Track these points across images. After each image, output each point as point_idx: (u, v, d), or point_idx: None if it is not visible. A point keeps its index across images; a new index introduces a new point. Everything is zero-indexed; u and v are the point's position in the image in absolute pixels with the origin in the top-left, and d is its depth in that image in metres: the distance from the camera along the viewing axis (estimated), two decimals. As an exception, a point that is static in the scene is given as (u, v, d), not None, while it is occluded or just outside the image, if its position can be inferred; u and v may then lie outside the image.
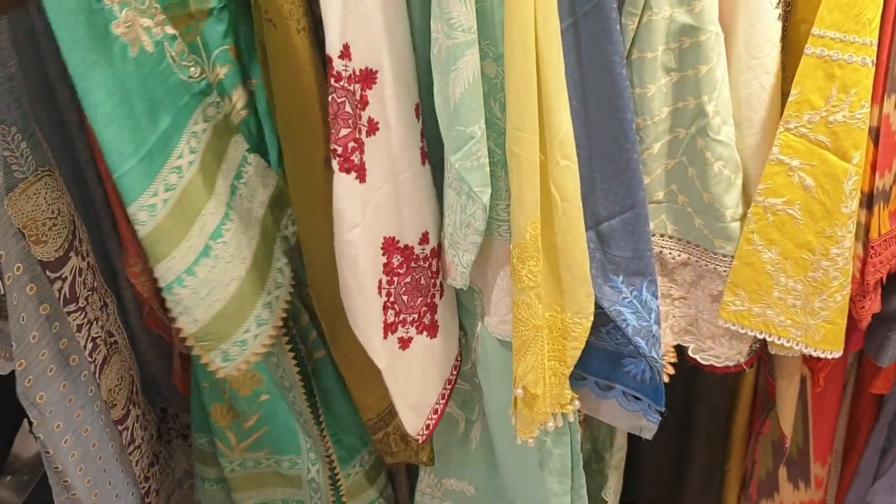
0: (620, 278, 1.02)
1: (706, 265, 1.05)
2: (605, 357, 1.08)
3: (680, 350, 1.13)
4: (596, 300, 1.01)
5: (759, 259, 1.01)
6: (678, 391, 1.21)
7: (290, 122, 0.93)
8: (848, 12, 0.89)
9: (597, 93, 0.94)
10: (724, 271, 1.03)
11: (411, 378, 1.05)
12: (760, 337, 1.05)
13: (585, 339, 1.01)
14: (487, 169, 0.93)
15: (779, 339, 1.04)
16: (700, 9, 0.91)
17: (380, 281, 0.96)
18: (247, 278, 0.96)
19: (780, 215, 0.99)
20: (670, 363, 1.11)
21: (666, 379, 1.08)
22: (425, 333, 1.05)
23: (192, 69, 0.87)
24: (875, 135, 0.96)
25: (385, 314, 0.98)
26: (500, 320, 1.07)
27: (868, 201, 0.99)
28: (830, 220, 0.97)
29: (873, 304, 1.05)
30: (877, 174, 0.97)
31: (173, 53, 0.85)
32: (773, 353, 1.09)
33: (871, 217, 1.00)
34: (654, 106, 0.97)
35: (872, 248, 1.01)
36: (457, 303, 1.15)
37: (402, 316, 1.01)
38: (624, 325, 1.02)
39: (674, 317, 1.11)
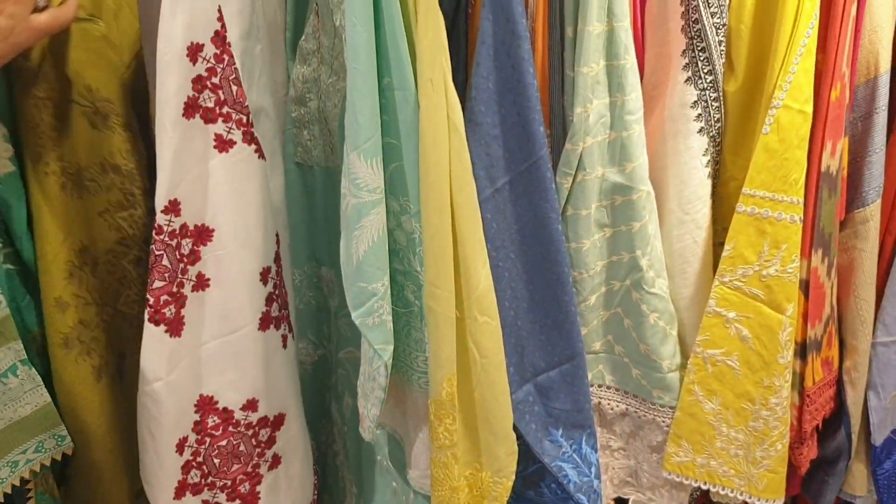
0: (560, 432, 0.99)
1: (645, 415, 1.03)
2: (545, 513, 1.04)
3: (619, 502, 1.09)
4: (535, 455, 0.97)
5: (702, 409, 0.99)
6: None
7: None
8: (776, 173, 0.91)
9: (534, 247, 0.93)
10: (663, 421, 1.02)
11: None
12: (704, 487, 1.03)
13: (507, 499, 0.97)
14: (391, 326, 0.90)
15: (723, 489, 1.02)
16: (631, 169, 0.92)
17: (184, 437, 0.91)
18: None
19: (719, 366, 0.98)
20: (611, 517, 1.08)
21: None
22: (238, 502, 0.99)
23: None
24: (805, 287, 0.97)
25: (186, 474, 0.93)
26: (421, 474, 1.02)
27: (801, 351, 1.00)
28: (768, 371, 0.97)
29: (811, 451, 1.05)
30: (808, 324, 0.98)
31: None
32: (715, 501, 1.06)
33: (805, 366, 1.00)
34: (590, 260, 0.96)
35: (808, 396, 1.01)
36: (384, 452, 1.09)
37: (210, 479, 0.95)
38: (565, 482, 0.99)
39: (613, 468, 1.07)
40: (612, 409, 1.04)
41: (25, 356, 0.88)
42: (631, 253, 0.95)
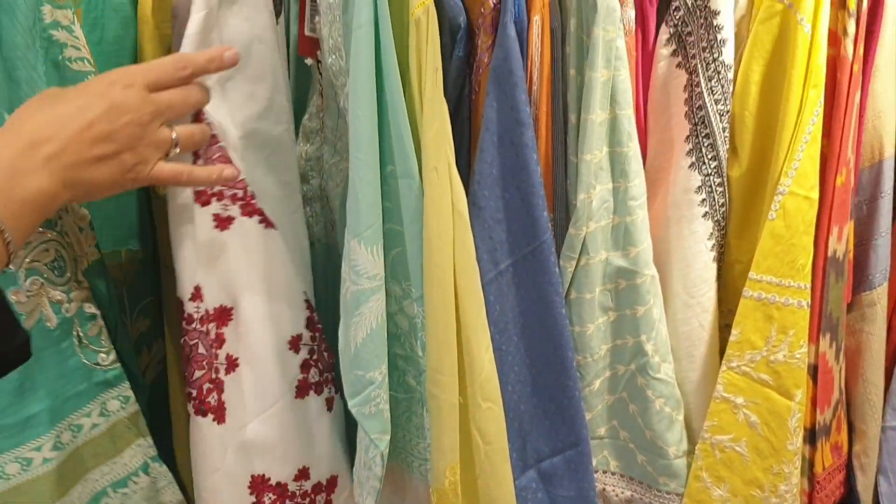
0: (565, 519, 0.96)
1: (651, 502, 1.00)
2: None
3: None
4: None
5: (710, 496, 0.97)
6: None
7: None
8: (782, 259, 0.90)
9: (537, 331, 0.92)
10: (670, 508, 0.99)
11: None
12: (712, 577, 1.00)
13: None
14: (387, 415, 0.88)
15: (731, 578, 0.99)
16: (635, 254, 0.91)
17: None
18: None
19: (727, 452, 0.96)
20: None
21: None
22: None
23: (103, 355, 0.79)
24: (813, 372, 0.96)
25: None
26: (424, 564, 1.00)
27: (811, 437, 0.98)
28: (777, 457, 0.95)
29: (822, 538, 1.02)
30: (817, 410, 0.97)
31: (82, 333, 0.77)
32: (724, 589, 1.03)
33: (815, 452, 0.98)
34: (594, 344, 0.95)
35: (818, 482, 0.99)
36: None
37: None
38: (570, 570, 0.96)
39: (620, 556, 1.05)
40: (616, 495, 1.02)
41: (156, 452, 0.86)
42: (636, 337, 0.94)
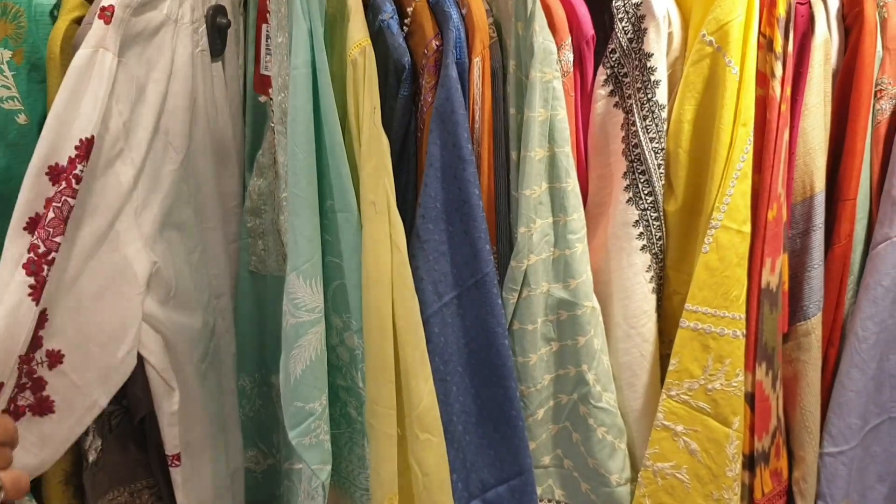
0: (510, 547, 0.98)
1: (597, 529, 1.02)
2: None
3: None
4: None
5: (652, 523, 0.99)
6: None
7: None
8: (717, 290, 0.93)
9: (481, 361, 0.94)
10: (614, 535, 1.01)
11: None
12: None
13: None
14: (328, 446, 0.90)
15: None
16: (575, 286, 0.94)
17: None
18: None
19: (669, 479, 0.98)
20: None
21: None
22: None
23: None
24: (751, 400, 0.98)
25: None
26: None
27: (750, 463, 1.00)
28: (717, 484, 0.97)
29: (764, 563, 1.04)
30: (755, 437, 0.99)
31: None
32: None
33: (754, 478, 1.01)
34: (537, 374, 0.97)
35: (758, 508, 1.01)
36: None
37: None
38: None
39: (566, 583, 1.06)
40: (563, 523, 1.04)
41: None
42: (577, 367, 0.96)
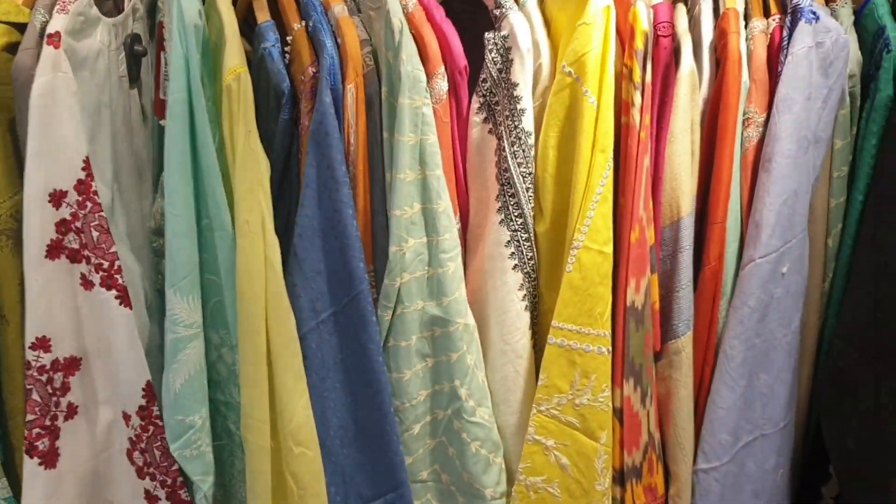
0: (386, 561, 1.00)
1: (473, 543, 1.04)
2: None
3: None
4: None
5: (526, 537, 1.02)
6: None
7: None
8: (581, 307, 0.97)
9: (357, 377, 0.97)
10: (491, 549, 1.03)
11: None
12: None
13: None
14: (210, 458, 0.93)
15: None
16: (447, 303, 0.97)
17: None
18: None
19: (541, 493, 1.01)
20: None
21: None
22: None
23: None
24: (619, 415, 1.02)
25: None
26: None
27: (620, 478, 1.03)
28: (588, 498, 1.00)
29: (639, 577, 1.06)
30: (625, 451, 1.02)
31: None
32: None
33: (625, 493, 1.04)
34: (411, 389, 1.00)
35: (630, 522, 1.04)
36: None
37: None
38: None
39: None
40: (441, 536, 1.06)
41: (10, 494, 0.92)
42: (451, 383, 1.00)
